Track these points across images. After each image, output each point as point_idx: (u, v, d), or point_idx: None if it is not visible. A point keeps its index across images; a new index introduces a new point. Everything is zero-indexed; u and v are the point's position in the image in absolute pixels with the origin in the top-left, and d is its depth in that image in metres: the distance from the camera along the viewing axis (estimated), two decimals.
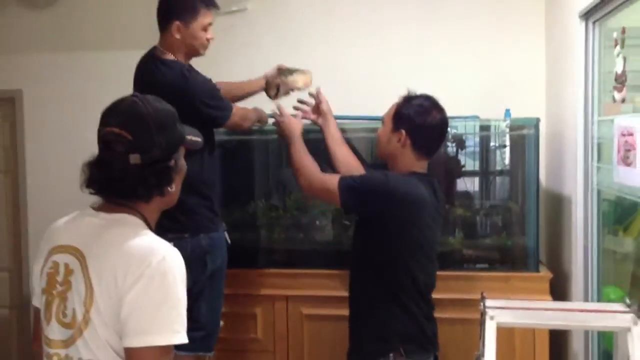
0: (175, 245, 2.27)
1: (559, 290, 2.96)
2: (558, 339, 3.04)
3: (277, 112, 2.57)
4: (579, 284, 2.73)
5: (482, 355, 1.48)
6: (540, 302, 1.76)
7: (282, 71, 2.77)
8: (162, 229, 1.71)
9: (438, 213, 2.20)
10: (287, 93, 2.77)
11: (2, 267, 3.92)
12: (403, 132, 2.13)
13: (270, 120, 2.66)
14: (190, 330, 2.36)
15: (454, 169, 3.13)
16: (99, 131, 1.46)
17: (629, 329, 1.47)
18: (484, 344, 1.49)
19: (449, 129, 2.29)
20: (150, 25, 3.56)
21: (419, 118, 2.14)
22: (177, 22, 2.41)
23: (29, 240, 3.81)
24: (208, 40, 2.49)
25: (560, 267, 3.03)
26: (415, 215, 2.08)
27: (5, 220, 3.91)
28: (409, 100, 2.20)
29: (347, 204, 2.15)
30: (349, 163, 2.46)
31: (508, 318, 1.52)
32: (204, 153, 2.43)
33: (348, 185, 2.11)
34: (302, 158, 2.30)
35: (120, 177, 1.42)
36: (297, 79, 2.75)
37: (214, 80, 2.50)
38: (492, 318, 1.49)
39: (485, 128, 3.11)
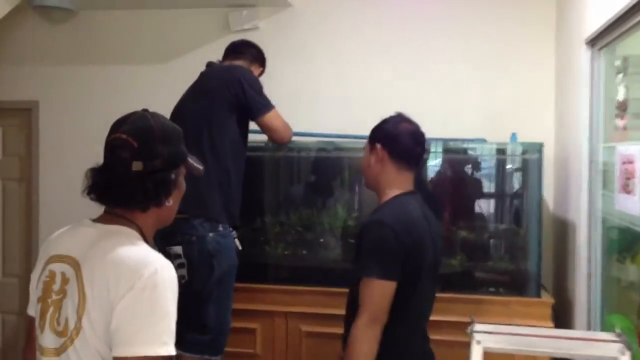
0: (184, 250, 2.39)
1: (564, 317, 2.93)
2: None
3: None
4: (583, 312, 2.71)
5: None
6: (530, 328, 1.74)
7: None
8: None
9: (429, 234, 2.02)
10: None
11: (12, 274, 3.98)
12: (378, 145, 2.04)
13: None
14: (198, 334, 2.47)
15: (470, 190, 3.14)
16: (107, 138, 1.49)
17: (616, 359, 1.46)
18: None
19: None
20: (161, 42, 3.67)
21: (389, 126, 2.06)
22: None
23: (40, 248, 3.84)
24: None
25: (564, 293, 3.00)
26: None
27: (17, 227, 3.96)
28: (380, 122, 2.16)
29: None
30: None
31: (495, 343, 1.51)
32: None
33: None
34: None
35: (121, 182, 1.44)
36: None
37: None
38: (478, 343, 1.49)
39: (490, 151, 3.12)
